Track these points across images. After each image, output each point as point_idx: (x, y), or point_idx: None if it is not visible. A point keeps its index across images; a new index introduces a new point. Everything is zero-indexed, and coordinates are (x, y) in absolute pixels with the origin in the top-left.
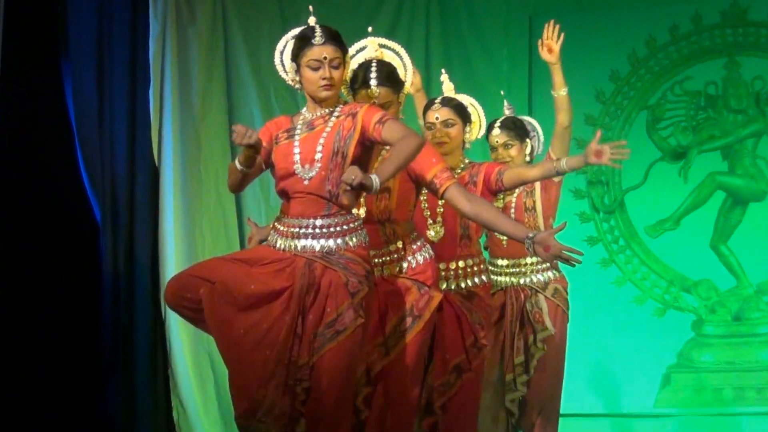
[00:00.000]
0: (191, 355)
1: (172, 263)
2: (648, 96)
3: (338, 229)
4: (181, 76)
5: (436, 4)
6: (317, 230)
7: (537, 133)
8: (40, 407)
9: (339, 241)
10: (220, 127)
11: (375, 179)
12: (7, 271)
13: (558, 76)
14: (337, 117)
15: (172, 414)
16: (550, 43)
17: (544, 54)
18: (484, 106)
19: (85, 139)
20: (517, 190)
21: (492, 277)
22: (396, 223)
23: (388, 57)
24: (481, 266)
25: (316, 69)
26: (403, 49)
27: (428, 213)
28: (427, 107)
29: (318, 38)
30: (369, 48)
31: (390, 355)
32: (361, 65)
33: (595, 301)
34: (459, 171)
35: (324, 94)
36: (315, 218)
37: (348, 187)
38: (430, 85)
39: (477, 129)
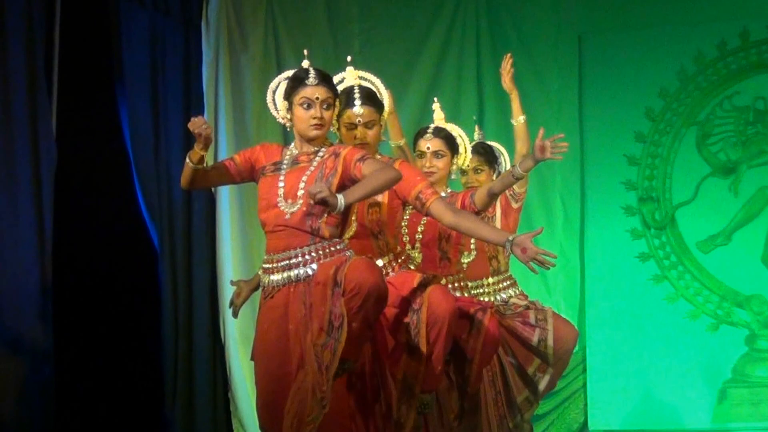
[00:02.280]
0: (251, 377)
1: (230, 288)
2: (697, 112)
3: (326, 251)
4: (235, 102)
5: (485, 25)
6: (306, 257)
7: (505, 159)
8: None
9: (328, 260)
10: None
11: (340, 199)
12: (67, 299)
13: (515, 105)
14: (321, 156)
15: None
16: (503, 73)
17: (503, 83)
18: (534, 125)
19: (142, 166)
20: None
21: None
22: (387, 237)
23: (367, 85)
24: (461, 283)
25: (307, 108)
26: (377, 79)
27: (407, 239)
28: (419, 135)
29: (312, 79)
30: (348, 77)
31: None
32: (344, 90)
33: (648, 317)
34: None
35: (314, 133)
36: (302, 247)
37: (312, 200)
38: (483, 106)
39: (463, 159)
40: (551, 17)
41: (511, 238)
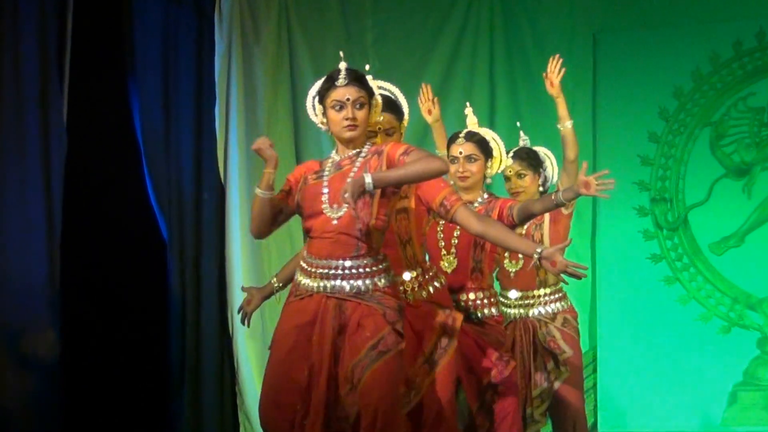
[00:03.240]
0: (258, 372)
1: (239, 280)
2: (711, 113)
3: (367, 270)
4: (247, 94)
5: (500, 23)
6: (346, 271)
7: (551, 163)
8: (109, 424)
9: (368, 281)
10: (285, 146)
11: (366, 177)
12: (75, 289)
13: (562, 109)
14: (364, 157)
15: (240, 430)
16: (551, 77)
17: (547, 87)
18: (547, 121)
19: (152, 157)
20: (527, 223)
21: (501, 309)
22: (415, 246)
23: (386, 94)
24: (492, 299)
25: (339, 110)
26: (396, 88)
27: (443, 243)
28: (452, 140)
29: (341, 79)
30: None
31: (435, 371)
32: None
33: (660, 319)
34: (476, 205)
35: (348, 134)
36: (344, 259)
37: (349, 201)
38: (494, 103)
39: (498, 164)
40: (566, 15)
41: (539, 250)
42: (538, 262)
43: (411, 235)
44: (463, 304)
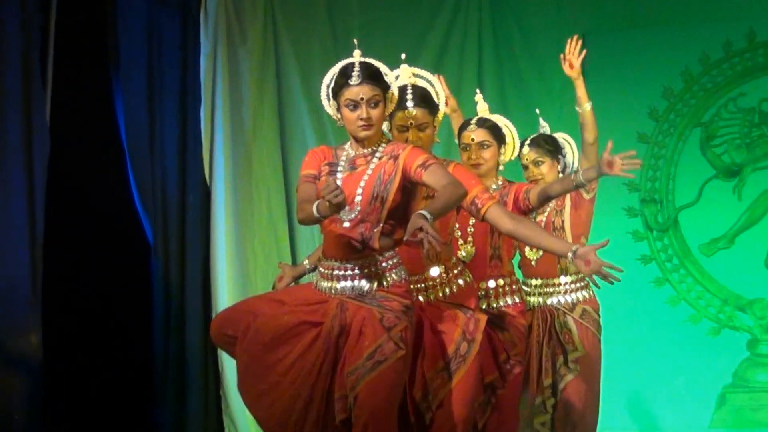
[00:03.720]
0: None
1: (224, 282)
2: (702, 113)
3: (372, 269)
4: (233, 95)
5: (488, 21)
6: (350, 272)
7: (571, 148)
8: (92, 427)
9: (372, 282)
10: (271, 147)
11: (427, 215)
12: (57, 291)
13: (581, 91)
14: (380, 158)
15: None
16: (571, 58)
17: (566, 69)
18: (535, 120)
19: (137, 159)
20: (547, 209)
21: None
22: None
23: (422, 84)
24: (513, 286)
25: (354, 109)
26: (434, 77)
27: (459, 233)
28: (463, 128)
29: (355, 78)
30: (403, 75)
31: (453, 380)
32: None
33: (649, 320)
34: (491, 191)
35: (363, 134)
36: (349, 260)
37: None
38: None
39: (511, 150)
40: (555, 15)
41: (574, 248)
42: (572, 262)
43: None
44: (483, 292)
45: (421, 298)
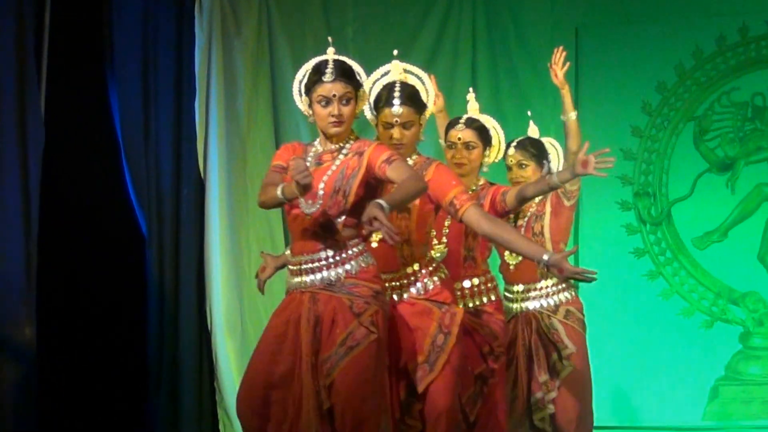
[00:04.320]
0: (237, 368)
1: (218, 276)
2: (695, 107)
3: (337, 258)
4: (227, 88)
5: (482, 16)
6: (317, 264)
7: (557, 154)
8: (85, 420)
9: (339, 270)
10: (265, 140)
11: (384, 204)
12: (52, 284)
13: (567, 100)
14: (345, 155)
15: (218, 427)
16: (556, 69)
17: (553, 78)
18: (532, 118)
19: (131, 152)
20: (528, 213)
21: (505, 303)
22: (413, 245)
23: (412, 81)
24: (488, 285)
25: (325, 105)
26: (425, 74)
27: (434, 233)
28: (451, 125)
29: (328, 75)
30: (393, 71)
31: (434, 371)
32: (385, 86)
33: (642, 313)
34: (471, 192)
35: (333, 130)
36: (314, 253)
37: (371, 228)
38: (478, 95)
39: (496, 152)
40: (548, 9)
41: (546, 257)
42: (545, 269)
43: (410, 236)
44: (459, 292)
45: (395, 297)
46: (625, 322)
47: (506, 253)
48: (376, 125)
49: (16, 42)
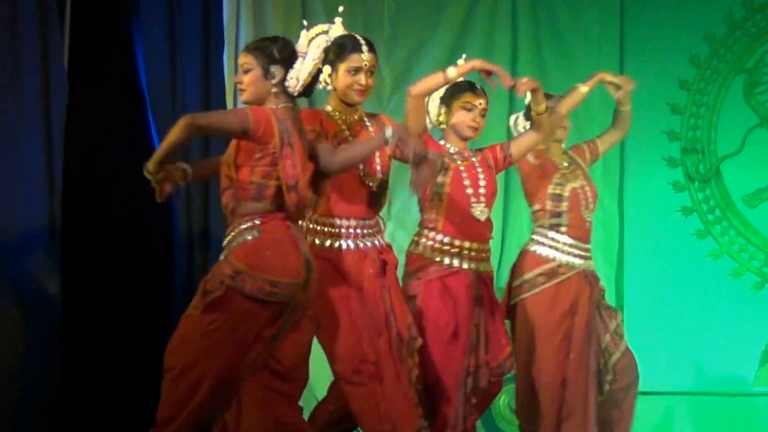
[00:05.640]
0: None
1: None
2: (745, 59)
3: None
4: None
5: None
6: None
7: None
8: (110, 377)
9: (225, 251)
10: None
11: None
12: (76, 242)
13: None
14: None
15: None
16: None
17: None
18: (572, 70)
19: (158, 106)
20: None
21: (568, 260)
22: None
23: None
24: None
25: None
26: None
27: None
28: (470, 89)
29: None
30: (335, 30)
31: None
32: (346, 35)
33: (690, 274)
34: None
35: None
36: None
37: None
38: (516, 52)
39: None
40: None
41: (389, 133)
42: (392, 148)
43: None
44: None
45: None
46: (671, 284)
47: (584, 210)
48: (331, 74)
49: None
